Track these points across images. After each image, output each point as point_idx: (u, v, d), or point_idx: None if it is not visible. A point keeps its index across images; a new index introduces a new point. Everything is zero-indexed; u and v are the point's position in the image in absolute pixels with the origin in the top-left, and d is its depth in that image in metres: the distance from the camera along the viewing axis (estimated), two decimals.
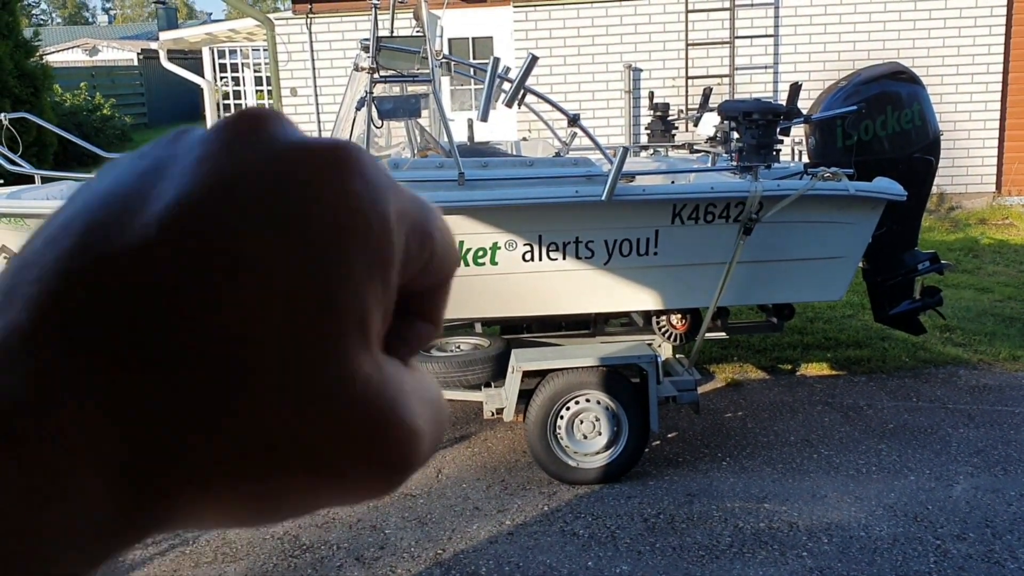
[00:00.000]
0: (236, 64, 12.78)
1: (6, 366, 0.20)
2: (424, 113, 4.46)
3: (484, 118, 3.55)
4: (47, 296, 0.21)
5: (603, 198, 3.59)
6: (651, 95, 6.42)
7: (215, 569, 3.25)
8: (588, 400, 3.79)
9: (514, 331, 4.31)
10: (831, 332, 5.60)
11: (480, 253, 3.70)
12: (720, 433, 4.29)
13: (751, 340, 5.41)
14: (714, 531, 3.40)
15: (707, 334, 4.13)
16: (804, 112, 4.17)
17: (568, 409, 3.80)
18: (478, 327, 4.42)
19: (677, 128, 5.42)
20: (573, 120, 3.78)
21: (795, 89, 4.13)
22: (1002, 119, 8.89)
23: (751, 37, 8.93)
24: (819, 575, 3.11)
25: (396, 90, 4.06)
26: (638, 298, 3.94)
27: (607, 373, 3.78)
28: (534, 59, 3.53)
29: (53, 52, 22.09)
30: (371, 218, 0.23)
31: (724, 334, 4.38)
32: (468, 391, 3.93)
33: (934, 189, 4.69)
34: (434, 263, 0.26)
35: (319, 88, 9.33)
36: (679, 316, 4.11)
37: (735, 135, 3.91)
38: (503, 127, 8.57)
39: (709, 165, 4.38)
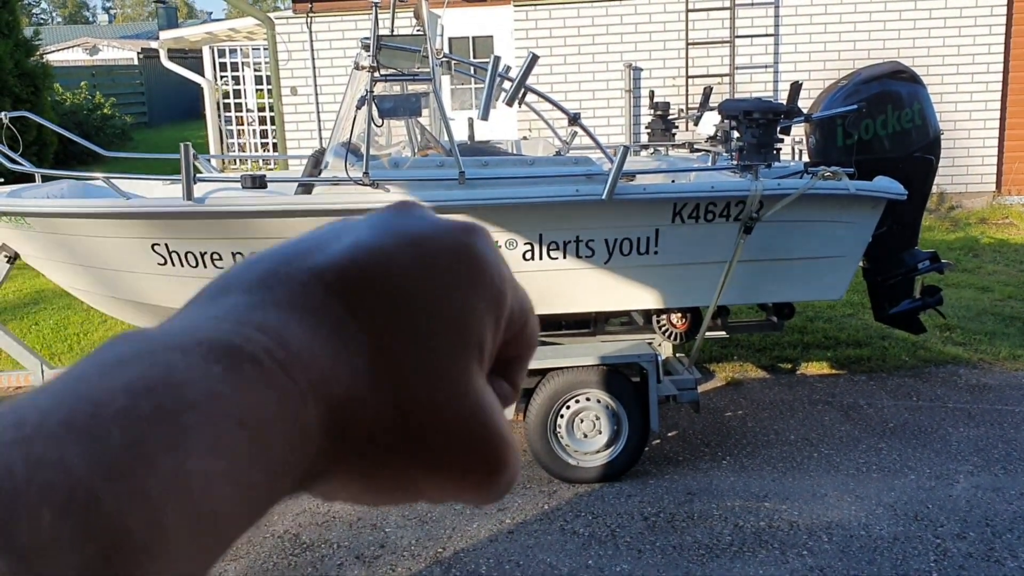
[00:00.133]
0: (236, 63, 12.77)
1: (244, 318, 0.26)
2: (424, 112, 4.46)
3: (484, 117, 3.55)
4: (260, 285, 0.28)
5: (603, 197, 3.59)
6: (651, 94, 6.42)
7: (216, 567, 3.25)
8: (588, 399, 3.79)
9: None
10: (831, 331, 5.60)
11: None
12: (720, 432, 4.29)
13: (751, 339, 5.41)
14: (714, 530, 3.40)
15: (707, 333, 4.13)
16: (804, 111, 4.17)
17: (568, 408, 3.80)
18: None
19: (677, 127, 5.42)
20: (573, 119, 3.77)
21: (795, 88, 4.12)
22: (1002, 118, 8.89)
23: (751, 36, 8.92)
24: (819, 574, 3.11)
25: (396, 89, 4.06)
26: (638, 297, 3.94)
27: (607, 372, 3.78)
28: (535, 58, 3.53)
29: (53, 51, 22.06)
30: (493, 273, 0.30)
31: (724, 333, 4.38)
32: None
33: (934, 188, 4.69)
34: (525, 333, 0.33)
35: (319, 87, 9.33)
36: (679, 315, 4.11)
37: (735, 134, 3.91)
38: (503, 126, 8.57)
39: (709, 164, 4.38)
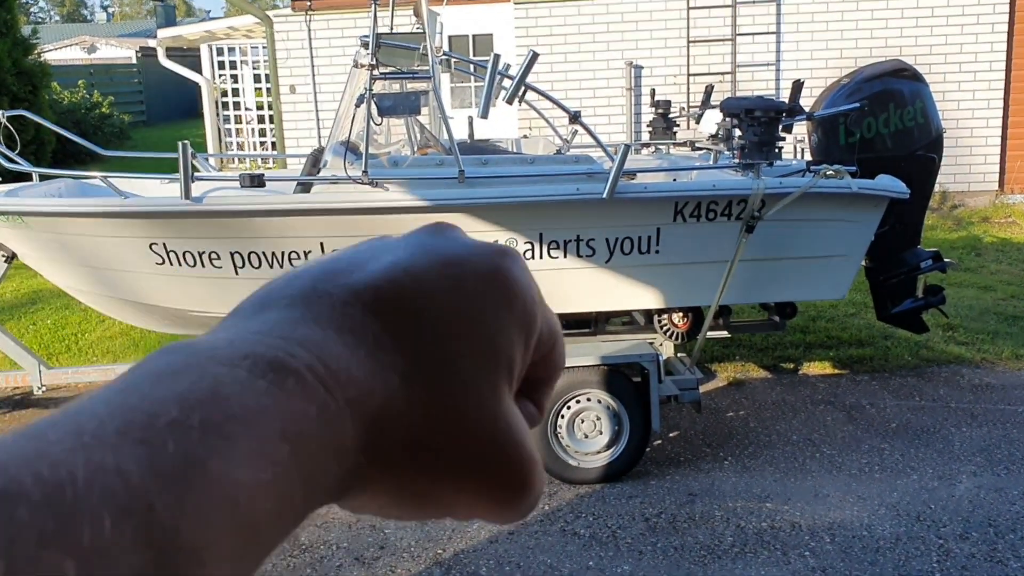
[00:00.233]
0: (235, 62, 12.74)
1: (286, 333, 0.27)
2: (424, 110, 4.43)
3: (484, 115, 3.52)
4: (300, 301, 0.28)
5: (604, 196, 3.57)
6: (652, 92, 6.40)
7: None
8: (589, 399, 3.77)
9: None
10: (833, 331, 5.58)
11: None
12: (722, 432, 4.27)
13: (753, 339, 5.39)
14: (716, 531, 3.38)
15: (709, 333, 4.11)
16: (806, 109, 4.15)
17: (569, 408, 3.78)
18: None
19: (679, 125, 5.40)
20: (574, 117, 3.75)
21: (797, 86, 4.10)
22: (1005, 116, 8.87)
23: (753, 34, 8.90)
24: (821, 574, 3.09)
25: (396, 87, 4.04)
26: (639, 296, 3.92)
27: (608, 372, 3.76)
28: (535, 56, 3.50)
29: (51, 50, 22.02)
30: (525, 297, 0.31)
31: (726, 333, 4.36)
32: None
33: (937, 187, 4.66)
34: (553, 356, 0.34)
35: (318, 85, 9.30)
36: (681, 315, 4.09)
37: (737, 132, 3.89)
38: (503, 124, 8.54)
39: (711, 163, 4.36)
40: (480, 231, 3.63)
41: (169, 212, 3.69)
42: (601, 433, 3.77)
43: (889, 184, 3.81)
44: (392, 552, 3.29)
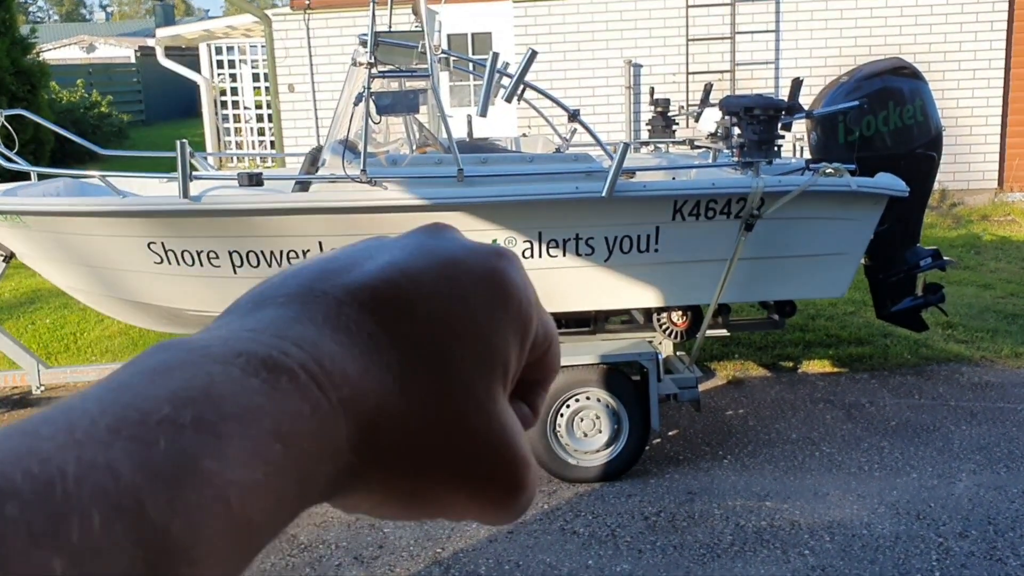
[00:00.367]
0: (233, 61, 12.73)
1: (281, 332, 0.27)
2: (423, 109, 4.43)
3: (483, 114, 3.52)
4: (296, 300, 0.28)
5: (603, 194, 3.56)
6: (652, 91, 6.39)
7: None
8: (588, 398, 3.77)
9: None
10: (833, 329, 5.58)
11: None
12: (721, 431, 4.27)
13: (752, 337, 5.39)
14: (715, 529, 3.37)
15: (708, 331, 4.10)
16: (805, 107, 4.14)
17: (568, 407, 3.77)
18: None
19: (678, 124, 5.39)
20: (573, 116, 3.75)
21: (796, 84, 4.10)
22: (1004, 115, 8.87)
23: (752, 32, 8.89)
24: (821, 573, 3.09)
25: (394, 85, 4.03)
26: (639, 295, 3.91)
27: (607, 370, 3.76)
28: (533, 54, 3.50)
29: (50, 49, 22.01)
30: (521, 298, 0.31)
31: (725, 331, 4.35)
32: None
33: (936, 185, 4.66)
34: (548, 358, 0.34)
35: (317, 84, 9.29)
36: (680, 313, 4.08)
37: (736, 131, 3.88)
38: (502, 123, 8.54)
39: (710, 161, 4.35)
40: (479, 230, 3.63)
41: (167, 211, 3.68)
42: (600, 432, 3.77)
43: (888, 182, 3.81)
44: (391, 551, 3.29)
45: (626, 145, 3.59)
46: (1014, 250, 7.42)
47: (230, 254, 3.72)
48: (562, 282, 3.80)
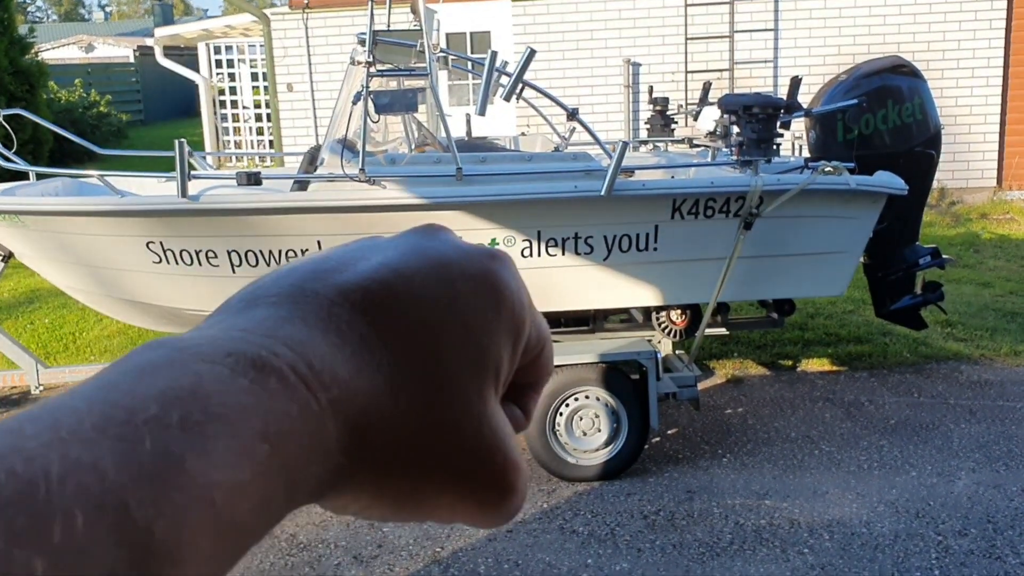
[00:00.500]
0: (232, 60, 12.72)
1: (271, 332, 0.27)
2: (421, 108, 4.42)
3: (482, 112, 3.51)
4: (287, 299, 0.28)
5: (602, 193, 3.56)
6: (650, 89, 6.39)
7: None
8: (587, 397, 3.76)
9: None
10: (832, 328, 5.58)
11: None
12: (720, 430, 4.27)
13: (751, 336, 5.39)
14: (715, 528, 3.37)
15: (707, 330, 4.10)
16: (804, 106, 4.14)
17: (567, 406, 3.77)
18: None
19: (676, 123, 5.39)
20: (572, 114, 3.74)
21: (795, 83, 4.09)
22: (1003, 113, 8.87)
23: (751, 31, 8.89)
24: (820, 572, 3.09)
25: (393, 84, 4.03)
26: (638, 294, 3.91)
27: (607, 369, 3.75)
28: (532, 53, 3.50)
29: (49, 49, 21.99)
30: (514, 300, 0.31)
31: (724, 330, 4.35)
32: None
33: (935, 183, 4.66)
34: (540, 360, 0.34)
35: (315, 83, 9.29)
36: (679, 312, 4.08)
37: (735, 129, 3.88)
38: (501, 122, 8.54)
39: (709, 160, 4.35)
40: (478, 229, 3.63)
41: (166, 211, 3.68)
42: (599, 431, 3.77)
43: (887, 180, 3.81)
44: (390, 551, 3.29)
45: (625, 144, 3.58)
46: (1013, 248, 7.42)
47: (229, 253, 3.71)
48: (561, 281, 3.79)
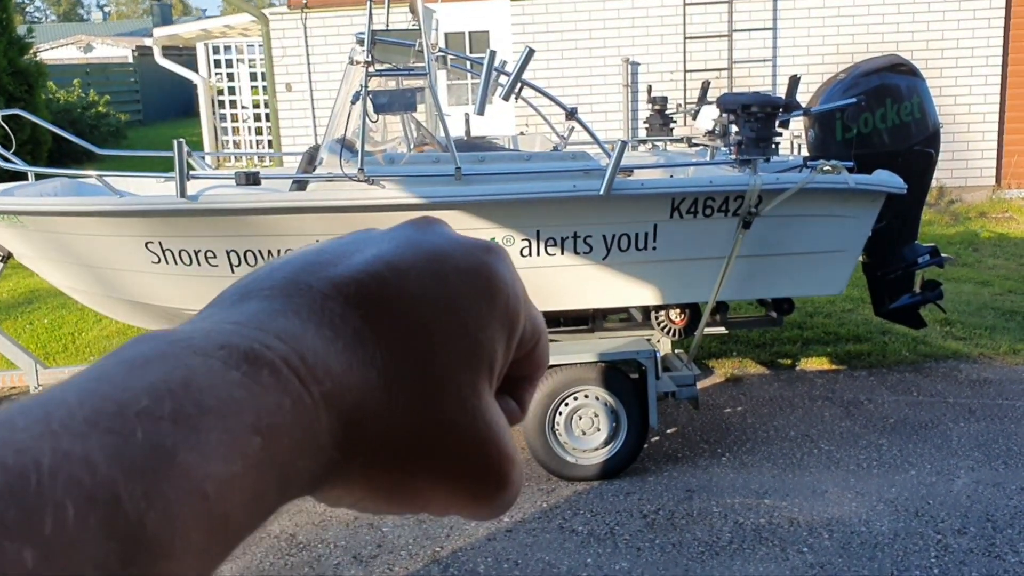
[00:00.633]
0: (231, 60, 12.72)
1: (264, 325, 0.27)
2: (420, 107, 4.42)
3: (481, 112, 3.51)
4: (280, 293, 0.28)
5: (601, 192, 3.56)
6: (649, 89, 6.39)
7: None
8: (587, 396, 3.76)
9: None
10: (831, 326, 5.58)
11: None
12: (719, 429, 4.27)
13: (750, 335, 5.39)
14: (714, 527, 3.37)
15: (706, 329, 4.10)
16: (803, 105, 4.14)
17: (567, 405, 3.77)
18: None
19: (675, 122, 5.39)
20: (571, 114, 3.74)
21: (794, 82, 4.09)
22: (1001, 112, 8.87)
23: (749, 30, 8.89)
24: (820, 571, 3.09)
25: (392, 84, 4.03)
26: (636, 293, 3.91)
27: (606, 369, 3.76)
28: (531, 52, 3.50)
29: (47, 49, 21.98)
30: (508, 293, 0.31)
31: (723, 329, 4.35)
32: None
33: (934, 182, 4.66)
34: (536, 354, 0.34)
35: (314, 83, 9.29)
36: (678, 311, 4.08)
37: (734, 128, 3.88)
38: (500, 121, 8.54)
39: (708, 159, 4.35)
40: (477, 228, 3.63)
41: (165, 211, 3.68)
42: (599, 430, 3.77)
43: (886, 179, 3.81)
44: (390, 550, 3.29)
45: (624, 143, 3.58)
46: (1012, 247, 7.42)
47: (228, 253, 3.71)
48: (560, 280, 3.79)
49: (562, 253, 3.76)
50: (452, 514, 0.30)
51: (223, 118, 12.72)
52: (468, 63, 5.29)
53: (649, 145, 5.17)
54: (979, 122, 8.87)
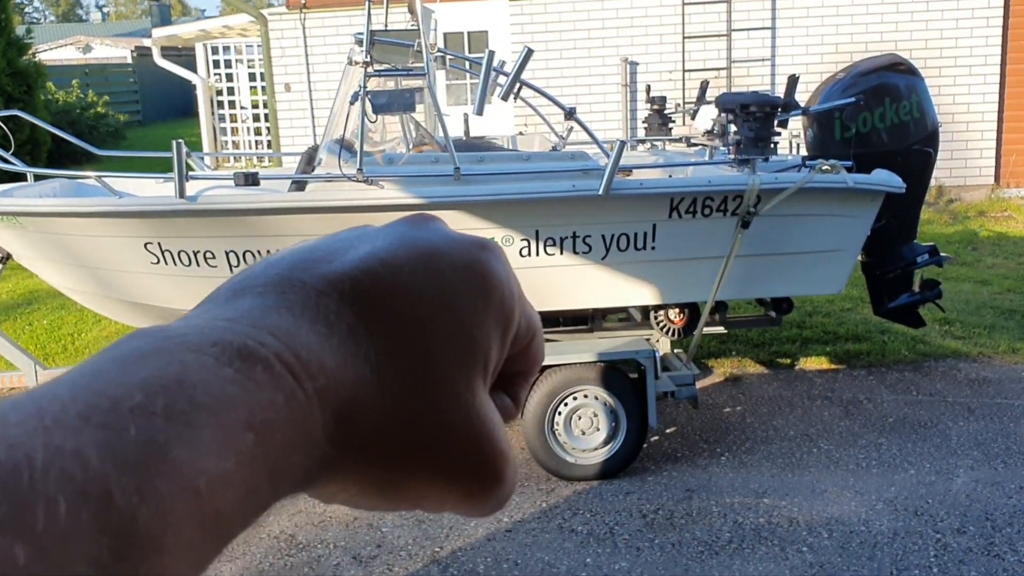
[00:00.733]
0: (230, 60, 12.71)
1: (257, 321, 0.27)
2: (419, 108, 4.42)
3: (479, 112, 3.51)
4: (274, 289, 0.28)
5: (600, 192, 3.56)
6: (648, 88, 6.39)
7: (211, 568, 3.22)
8: (586, 396, 3.77)
9: None
10: (830, 326, 5.58)
11: None
12: (719, 428, 4.27)
13: (750, 334, 5.39)
14: (713, 527, 3.38)
15: (705, 328, 4.10)
16: (802, 104, 4.14)
17: (566, 405, 3.77)
18: None
19: (674, 121, 5.39)
20: (569, 114, 3.74)
21: (792, 81, 4.09)
22: (1000, 111, 8.87)
23: (748, 30, 8.89)
24: (819, 570, 3.09)
25: (390, 84, 4.03)
26: (636, 293, 3.91)
27: (605, 369, 3.76)
28: (529, 52, 3.50)
29: (46, 50, 21.98)
30: (503, 290, 0.31)
31: (722, 328, 4.36)
32: None
33: (933, 181, 4.66)
34: (531, 350, 0.34)
35: (313, 83, 9.28)
36: (677, 311, 4.08)
37: (732, 128, 3.89)
38: (499, 121, 8.54)
39: (706, 158, 4.35)
40: (476, 228, 3.63)
41: (164, 211, 3.67)
42: (598, 430, 3.77)
43: (885, 178, 3.81)
44: (389, 550, 3.29)
45: (622, 143, 3.58)
46: (1011, 246, 7.42)
47: (226, 254, 3.71)
48: (559, 280, 3.80)
49: (561, 253, 3.76)
50: (447, 510, 0.30)
51: (222, 118, 12.72)
52: (467, 63, 5.29)
53: (648, 145, 5.17)
54: (978, 121, 8.87)
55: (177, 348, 0.25)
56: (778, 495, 3.60)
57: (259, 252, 3.71)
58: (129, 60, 23.56)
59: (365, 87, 3.57)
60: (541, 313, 4.32)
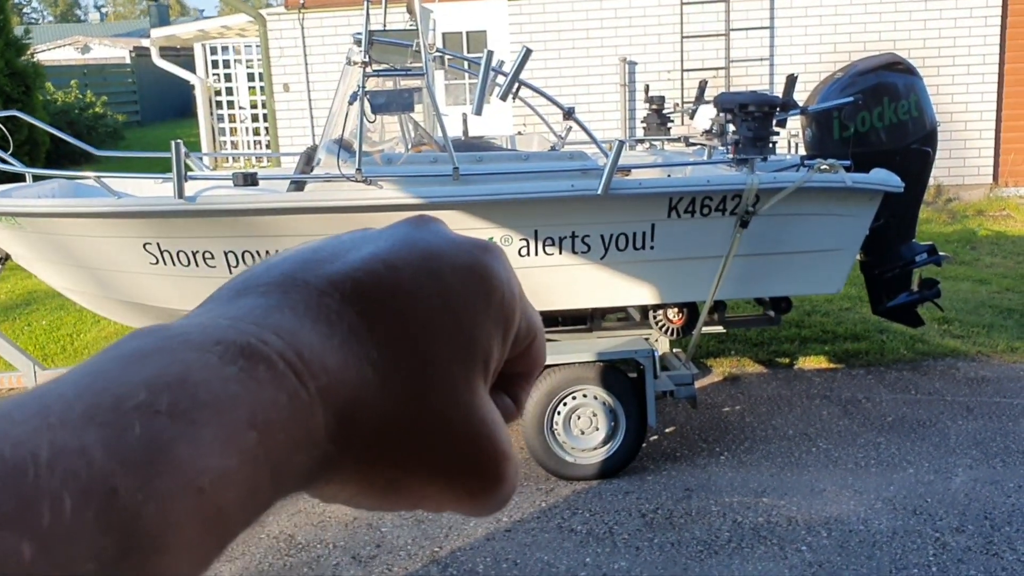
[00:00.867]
0: (228, 61, 12.71)
1: (260, 320, 0.27)
2: (418, 108, 4.42)
3: (478, 112, 3.51)
4: (277, 288, 0.28)
5: (599, 192, 3.56)
6: (646, 88, 6.39)
7: (210, 568, 3.22)
8: (585, 395, 3.77)
9: None
10: (829, 325, 5.58)
11: None
12: (718, 427, 4.27)
13: (748, 334, 5.40)
14: (712, 526, 3.38)
15: (704, 328, 4.10)
16: (800, 104, 4.14)
17: (565, 404, 3.78)
18: None
19: (673, 121, 5.39)
20: (568, 114, 3.75)
21: (791, 81, 4.09)
22: (999, 110, 8.88)
23: (746, 29, 8.89)
24: (818, 569, 3.10)
25: (389, 84, 4.03)
26: (634, 292, 3.91)
27: (604, 368, 3.76)
28: (528, 52, 3.50)
29: (44, 50, 21.95)
30: (504, 291, 0.31)
31: (721, 328, 4.36)
32: None
33: (931, 180, 4.67)
34: (532, 351, 0.34)
35: (311, 83, 9.28)
36: (676, 310, 4.08)
37: (731, 128, 3.89)
38: (498, 121, 8.54)
39: (705, 158, 4.35)
40: (475, 228, 3.63)
41: (163, 212, 3.67)
42: (597, 429, 3.77)
43: (884, 178, 3.81)
44: (389, 550, 3.29)
45: (621, 143, 3.59)
46: (1009, 245, 7.43)
47: (225, 254, 3.71)
48: (558, 280, 3.80)
49: (560, 253, 3.76)
50: (447, 510, 0.30)
51: (221, 119, 12.72)
52: (465, 63, 5.29)
53: (647, 144, 5.17)
54: (976, 120, 8.88)
55: (180, 347, 0.25)
56: (777, 494, 3.61)
57: (258, 252, 3.71)
58: (127, 60, 23.54)
59: (364, 87, 3.57)
60: (540, 313, 4.33)
